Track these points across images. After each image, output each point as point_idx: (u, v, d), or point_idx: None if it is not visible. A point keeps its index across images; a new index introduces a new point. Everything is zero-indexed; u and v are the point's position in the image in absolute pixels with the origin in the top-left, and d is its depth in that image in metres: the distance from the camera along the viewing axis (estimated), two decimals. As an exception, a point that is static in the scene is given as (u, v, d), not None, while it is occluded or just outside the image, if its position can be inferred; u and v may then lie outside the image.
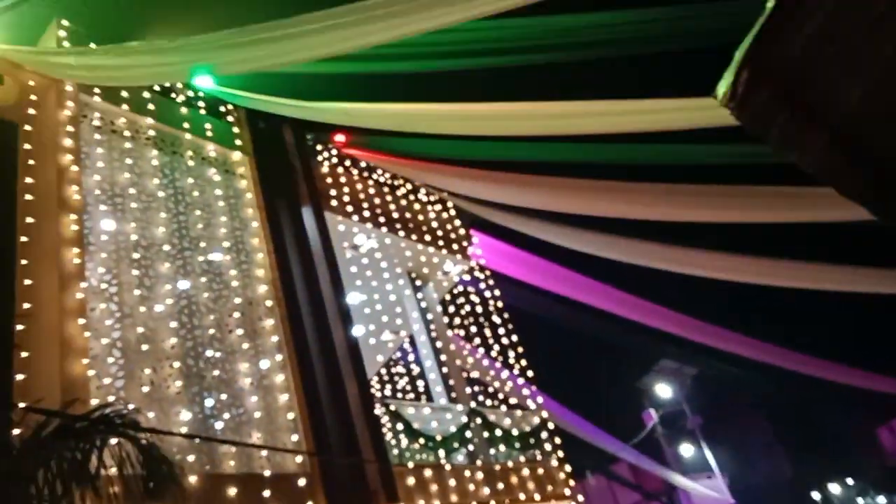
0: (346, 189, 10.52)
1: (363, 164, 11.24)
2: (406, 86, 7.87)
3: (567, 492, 10.11)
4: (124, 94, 8.01)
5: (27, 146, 6.97)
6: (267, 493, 6.53)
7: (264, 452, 7.00)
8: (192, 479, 6.08)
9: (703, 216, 8.99)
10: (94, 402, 5.79)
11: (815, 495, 28.72)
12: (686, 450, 23.36)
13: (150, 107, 8.26)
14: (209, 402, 7.11)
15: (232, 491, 6.33)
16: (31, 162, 6.87)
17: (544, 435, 10.55)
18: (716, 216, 8.86)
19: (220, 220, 8.37)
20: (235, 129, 9.25)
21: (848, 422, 26.60)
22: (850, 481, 28.87)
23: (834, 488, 29.03)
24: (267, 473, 6.78)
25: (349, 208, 10.32)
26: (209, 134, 8.82)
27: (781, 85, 1.99)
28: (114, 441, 4.24)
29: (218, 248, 8.13)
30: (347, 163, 10.98)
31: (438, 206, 12.25)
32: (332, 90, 8.29)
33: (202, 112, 8.95)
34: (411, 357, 12.84)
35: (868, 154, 1.95)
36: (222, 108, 9.28)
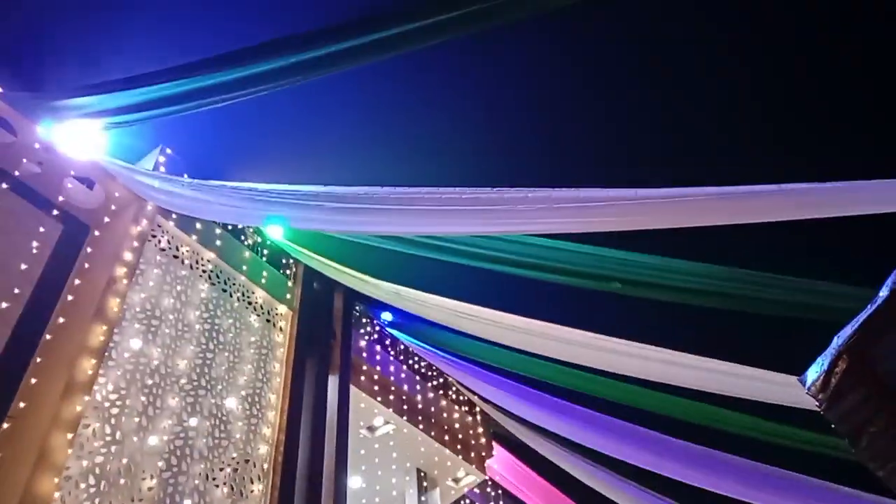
0: (378, 367, 10.27)
1: (402, 347, 11.06)
2: (464, 283, 7.86)
3: None
4: (198, 225, 8.32)
5: (90, 249, 7.12)
6: None
7: None
8: None
9: (748, 496, 8.05)
10: (47, 528, 5.30)
11: None
12: None
13: (218, 242, 8.51)
14: (167, 564, 6.41)
15: None
16: (86, 265, 6.98)
17: None
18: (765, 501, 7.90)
19: (245, 368, 8.16)
20: (290, 283, 9.35)
21: None
22: None
23: None
24: None
25: (376, 388, 9.98)
26: (263, 281, 8.93)
27: (883, 386, 1.70)
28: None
29: (233, 395, 7.83)
30: (388, 342, 10.83)
31: (466, 409, 11.77)
32: (391, 268, 8.34)
33: (263, 259, 9.13)
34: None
35: None
36: (283, 261, 9.46)
